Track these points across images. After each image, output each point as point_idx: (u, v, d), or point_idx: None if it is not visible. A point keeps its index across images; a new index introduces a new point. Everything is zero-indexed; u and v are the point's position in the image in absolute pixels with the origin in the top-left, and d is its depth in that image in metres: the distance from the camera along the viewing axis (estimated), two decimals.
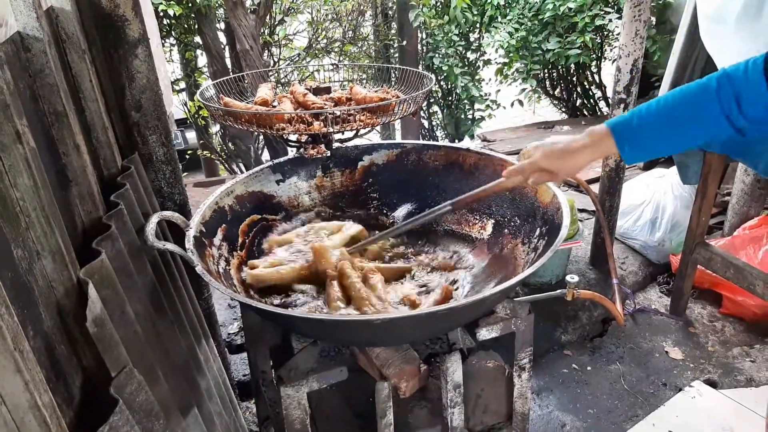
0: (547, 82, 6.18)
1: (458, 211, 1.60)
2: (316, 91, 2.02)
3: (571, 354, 2.76)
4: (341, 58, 5.27)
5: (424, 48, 5.61)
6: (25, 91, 1.09)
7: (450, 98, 5.78)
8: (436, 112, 6.09)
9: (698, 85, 1.16)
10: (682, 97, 1.18)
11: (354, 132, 1.88)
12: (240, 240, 1.73)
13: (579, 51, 4.75)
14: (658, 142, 1.22)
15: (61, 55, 1.29)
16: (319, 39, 5.18)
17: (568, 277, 1.63)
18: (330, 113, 1.72)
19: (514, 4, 5.18)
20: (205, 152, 5.22)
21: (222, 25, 4.65)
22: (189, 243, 1.42)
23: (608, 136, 1.24)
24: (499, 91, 5.78)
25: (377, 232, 1.87)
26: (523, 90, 5.60)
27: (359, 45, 5.60)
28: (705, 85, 1.14)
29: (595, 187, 2.91)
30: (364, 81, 4.75)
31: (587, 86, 6.08)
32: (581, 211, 3.55)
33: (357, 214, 2.04)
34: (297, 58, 5.09)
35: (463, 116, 5.66)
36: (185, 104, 4.99)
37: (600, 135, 1.25)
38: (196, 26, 4.52)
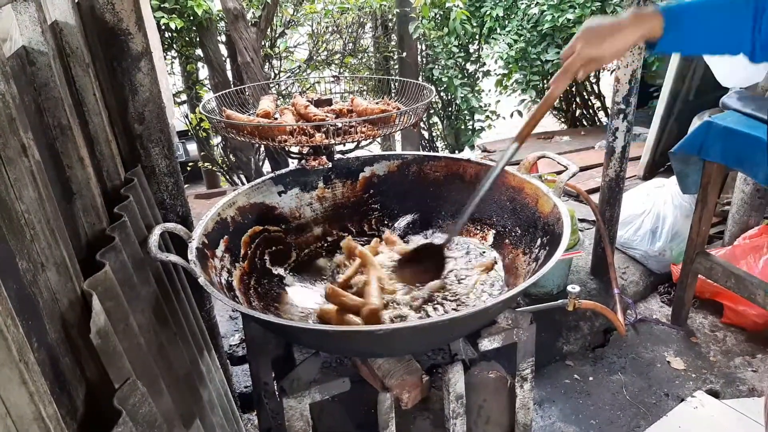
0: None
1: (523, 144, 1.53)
2: (318, 103, 2.03)
3: (573, 364, 2.76)
4: (341, 70, 5.30)
5: (424, 59, 5.64)
6: (31, 105, 1.10)
7: (450, 109, 5.80)
8: (436, 123, 6.11)
9: None
10: None
11: (355, 143, 1.89)
12: (242, 251, 1.73)
13: None
14: (699, 35, 1.26)
15: (66, 68, 1.31)
16: (319, 51, 5.22)
17: (569, 287, 1.64)
18: (331, 125, 1.73)
19: (513, 16, 5.22)
20: (206, 164, 5.24)
21: (223, 38, 4.68)
22: (192, 254, 1.42)
23: (657, 18, 1.25)
24: (498, 101, 5.81)
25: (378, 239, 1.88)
26: (523, 101, 5.63)
27: (359, 57, 5.63)
28: None
29: (595, 197, 2.91)
30: (365, 93, 4.76)
31: (586, 96, 6.11)
32: (581, 221, 3.56)
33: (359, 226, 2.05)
34: (298, 70, 5.12)
35: (463, 127, 5.68)
36: (186, 116, 5.01)
37: (648, 15, 1.26)
38: (198, 39, 4.55)
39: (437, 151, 6.13)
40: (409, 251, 1.70)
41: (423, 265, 1.64)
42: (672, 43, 1.28)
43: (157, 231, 1.42)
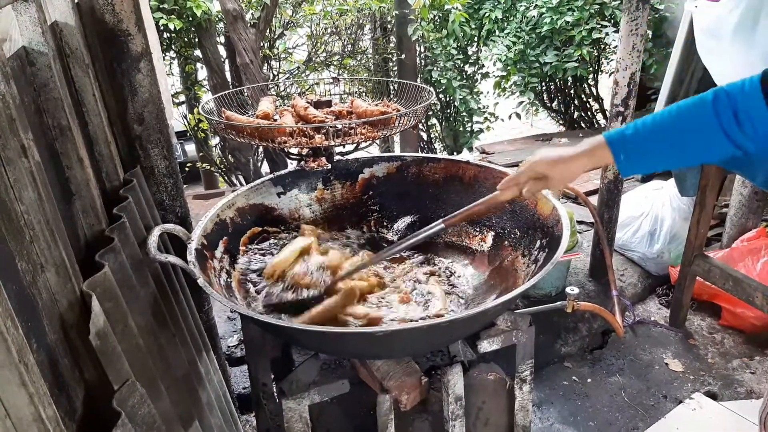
0: (545, 95, 6.23)
1: (451, 228, 1.59)
2: (317, 105, 2.03)
3: (572, 366, 2.76)
4: (340, 72, 5.30)
5: (423, 61, 5.64)
6: (30, 105, 1.10)
7: (448, 111, 5.81)
8: (435, 124, 6.12)
9: (694, 99, 1.17)
10: (678, 111, 1.19)
11: (354, 145, 1.89)
12: (241, 252, 1.73)
13: (576, 64, 4.79)
14: (654, 155, 1.24)
15: (65, 69, 1.31)
16: (318, 52, 5.21)
17: (567, 289, 1.64)
18: (331, 127, 1.73)
19: (512, 18, 5.23)
20: (204, 165, 5.22)
21: (222, 39, 4.68)
22: (191, 255, 1.42)
23: (604, 146, 1.25)
24: (497, 103, 5.81)
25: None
26: (521, 103, 5.63)
27: (358, 58, 5.63)
28: (701, 99, 1.16)
29: (594, 199, 2.91)
30: (364, 94, 4.77)
31: (584, 99, 6.12)
32: (580, 223, 3.56)
33: (359, 227, 2.05)
34: (297, 72, 5.12)
35: (461, 129, 5.68)
36: (185, 117, 5.01)
37: (596, 144, 1.27)
38: (197, 40, 4.54)
39: (436, 153, 6.13)
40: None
41: None
42: (630, 166, 1.25)
43: (156, 232, 1.42)
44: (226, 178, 5.26)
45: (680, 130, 1.19)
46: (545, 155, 1.33)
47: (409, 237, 1.61)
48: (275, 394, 1.62)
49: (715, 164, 2.46)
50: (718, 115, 1.12)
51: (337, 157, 2.00)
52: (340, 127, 1.74)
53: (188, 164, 5.59)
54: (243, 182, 4.88)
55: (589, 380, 2.67)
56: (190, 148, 6.62)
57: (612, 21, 4.74)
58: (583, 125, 6.22)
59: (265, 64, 4.78)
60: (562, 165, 1.31)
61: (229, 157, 4.95)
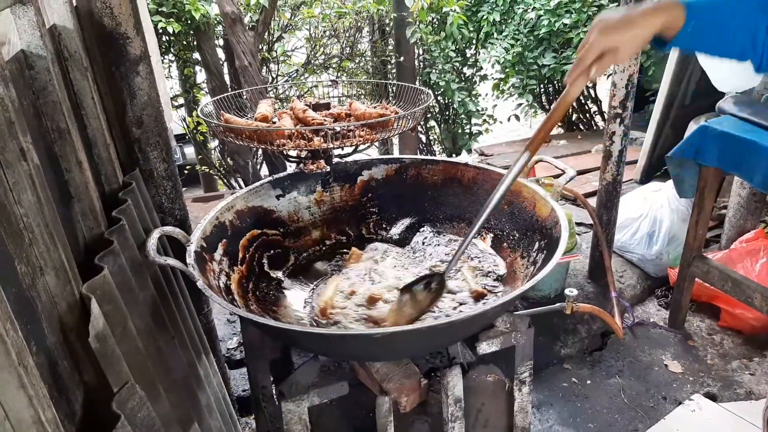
0: (543, 97, 6.24)
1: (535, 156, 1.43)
2: (316, 107, 2.04)
3: (571, 368, 2.76)
4: (339, 74, 5.32)
5: (421, 64, 5.66)
6: (29, 109, 1.10)
7: (447, 113, 5.82)
8: (434, 127, 6.13)
9: None
10: None
11: (353, 147, 1.89)
12: (240, 255, 1.73)
13: None
14: (712, 33, 1.19)
15: (64, 72, 1.31)
16: (317, 55, 5.23)
17: (566, 291, 1.64)
18: (330, 129, 1.73)
19: (510, 21, 5.25)
20: (203, 167, 5.24)
21: (221, 42, 4.69)
22: (190, 258, 1.42)
23: (678, 6, 1.16)
24: (495, 105, 5.83)
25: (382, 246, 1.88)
26: (520, 105, 5.65)
27: (357, 61, 5.65)
28: None
29: (593, 201, 2.92)
30: (362, 97, 4.78)
31: (583, 101, 6.13)
32: (579, 224, 3.56)
33: (357, 230, 2.06)
34: (295, 74, 5.13)
35: (460, 131, 5.69)
36: (184, 120, 5.02)
37: (668, 5, 1.17)
38: (195, 43, 4.56)
39: (435, 155, 6.14)
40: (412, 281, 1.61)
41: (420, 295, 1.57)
42: (689, 38, 1.17)
43: (155, 234, 1.42)
44: (225, 180, 5.27)
45: (735, 11, 1.17)
46: (608, 21, 1.17)
47: (500, 184, 1.39)
48: (275, 396, 1.62)
49: (713, 165, 2.46)
50: (760, 9, 1.14)
51: (335, 160, 2.00)
52: (338, 129, 1.75)
53: (187, 167, 5.60)
54: (242, 185, 4.89)
55: (588, 382, 2.67)
56: (189, 151, 6.63)
57: None
58: (582, 127, 6.24)
59: (264, 67, 4.79)
60: (628, 30, 1.17)
61: (228, 159, 4.96)
